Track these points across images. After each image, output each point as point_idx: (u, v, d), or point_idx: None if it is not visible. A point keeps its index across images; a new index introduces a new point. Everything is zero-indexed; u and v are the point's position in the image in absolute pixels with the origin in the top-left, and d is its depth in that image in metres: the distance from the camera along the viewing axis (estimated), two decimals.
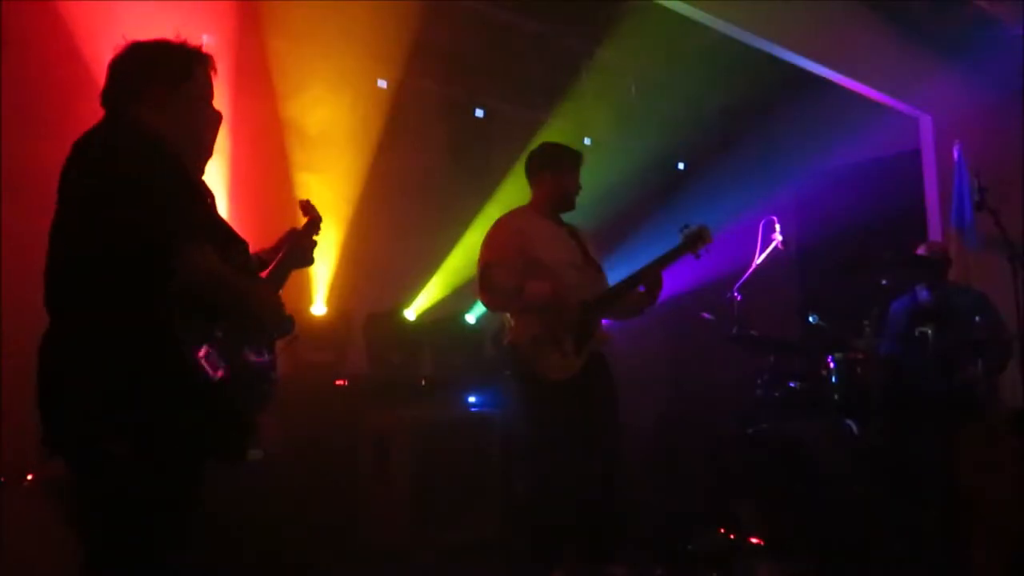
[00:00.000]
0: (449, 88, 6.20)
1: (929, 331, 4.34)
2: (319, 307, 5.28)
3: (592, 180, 4.03)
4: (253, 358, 2.14)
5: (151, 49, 2.19)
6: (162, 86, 2.16)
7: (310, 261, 2.57)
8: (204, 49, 2.25)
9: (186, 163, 2.16)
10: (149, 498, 1.99)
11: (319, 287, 5.29)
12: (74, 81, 4.09)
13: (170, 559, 2.04)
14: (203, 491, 2.16)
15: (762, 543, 4.22)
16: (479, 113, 6.33)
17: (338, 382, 4.96)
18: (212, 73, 2.27)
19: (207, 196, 2.27)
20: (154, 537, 2.01)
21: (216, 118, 2.29)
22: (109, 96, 2.17)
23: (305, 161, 5.31)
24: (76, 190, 2.02)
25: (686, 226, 3.78)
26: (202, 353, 1.97)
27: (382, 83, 5.70)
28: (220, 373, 2.00)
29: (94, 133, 2.08)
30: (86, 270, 1.98)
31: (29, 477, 3.43)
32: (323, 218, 2.66)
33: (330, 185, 5.32)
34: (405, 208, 5.74)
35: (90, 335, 1.96)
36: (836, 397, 4.36)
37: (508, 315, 3.72)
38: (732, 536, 4.32)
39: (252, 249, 2.41)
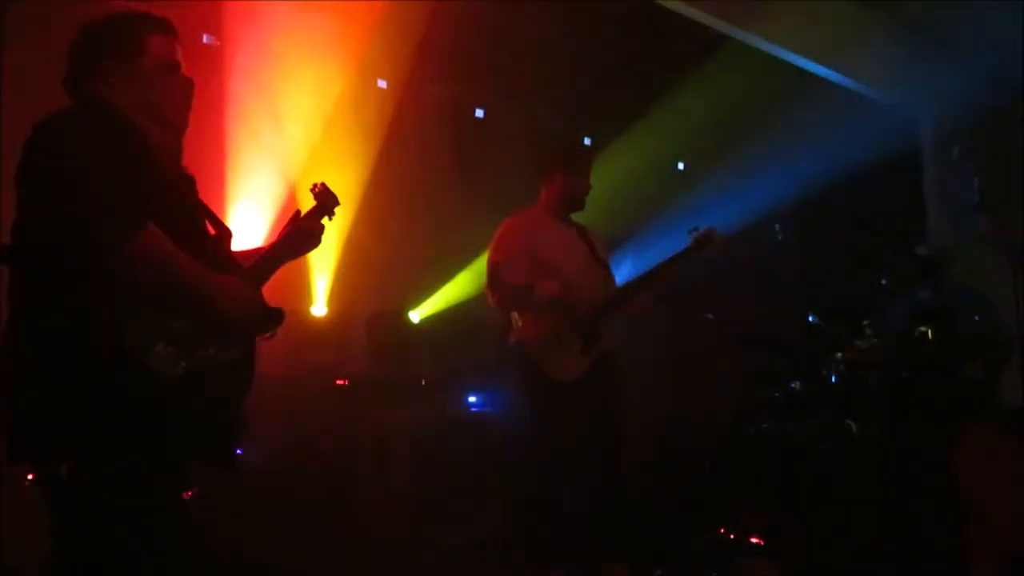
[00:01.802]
0: (449, 88, 6.19)
1: (929, 331, 4.33)
2: (319, 307, 5.28)
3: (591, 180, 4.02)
4: (218, 354, 1.96)
5: (99, 24, 2.04)
6: (113, 61, 2.01)
7: (315, 244, 2.41)
8: (157, 13, 2.08)
9: (153, 139, 2.03)
10: (100, 514, 1.86)
11: (320, 287, 5.29)
12: None
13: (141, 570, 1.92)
14: (176, 498, 2.05)
15: (762, 543, 4.22)
16: (479, 113, 6.33)
17: (338, 382, 4.95)
18: (173, 38, 2.09)
19: (178, 178, 2.11)
20: (110, 555, 1.87)
21: (183, 86, 2.10)
22: (67, 81, 2.04)
23: (305, 161, 5.30)
24: (22, 180, 1.92)
25: (695, 228, 3.78)
26: (156, 351, 1.83)
27: (382, 83, 5.70)
28: (178, 372, 1.86)
29: (49, 118, 1.93)
30: (31, 266, 1.89)
31: (29, 477, 3.43)
32: (339, 202, 2.54)
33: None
34: (405, 208, 5.74)
35: (33, 338, 1.85)
36: (836, 397, 4.35)
37: (515, 314, 3.71)
38: (732, 536, 4.32)
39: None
